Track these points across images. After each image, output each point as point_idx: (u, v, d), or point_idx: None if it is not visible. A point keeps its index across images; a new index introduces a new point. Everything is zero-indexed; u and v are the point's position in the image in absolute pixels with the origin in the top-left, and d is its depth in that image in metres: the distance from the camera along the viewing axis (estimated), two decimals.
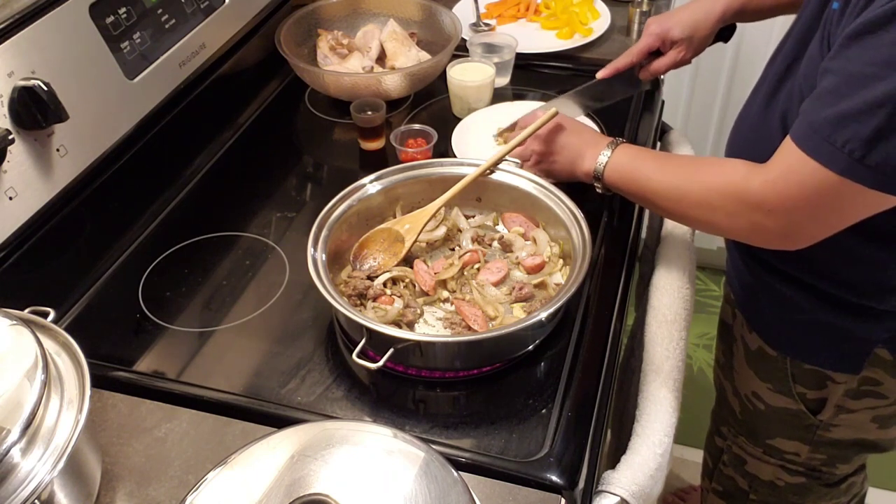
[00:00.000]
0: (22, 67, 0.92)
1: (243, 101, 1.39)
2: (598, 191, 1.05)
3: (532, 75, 1.44)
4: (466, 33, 1.49)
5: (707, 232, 0.97)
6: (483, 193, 1.07)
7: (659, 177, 0.96)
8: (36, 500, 0.62)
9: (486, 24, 1.56)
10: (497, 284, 0.98)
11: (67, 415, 0.67)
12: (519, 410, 0.85)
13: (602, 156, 1.01)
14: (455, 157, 1.18)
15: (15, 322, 0.69)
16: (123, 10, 1.08)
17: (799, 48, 0.92)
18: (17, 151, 0.92)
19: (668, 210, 0.98)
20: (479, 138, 1.25)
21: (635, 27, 1.51)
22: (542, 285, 0.98)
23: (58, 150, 0.97)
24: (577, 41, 1.48)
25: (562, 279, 0.98)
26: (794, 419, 1.12)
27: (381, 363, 0.83)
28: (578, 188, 1.07)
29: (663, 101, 1.46)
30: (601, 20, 1.53)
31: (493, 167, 1.05)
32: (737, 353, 1.18)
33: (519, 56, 1.40)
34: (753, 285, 1.08)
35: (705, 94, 2.05)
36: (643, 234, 1.31)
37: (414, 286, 0.98)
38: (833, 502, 1.25)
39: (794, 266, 0.99)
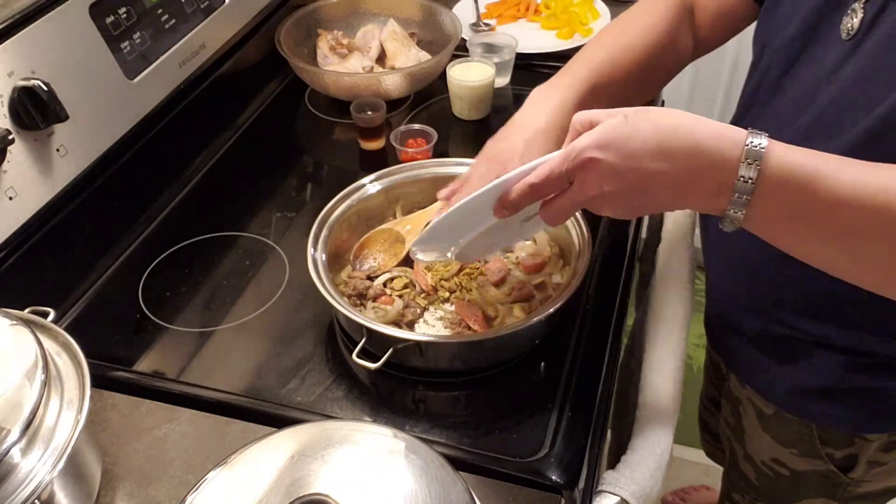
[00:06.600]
0: (22, 67, 0.92)
1: (243, 101, 1.39)
2: (731, 222, 0.64)
3: (532, 75, 1.43)
4: (466, 33, 1.49)
5: None
6: None
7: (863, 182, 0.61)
8: (36, 500, 0.62)
9: (486, 24, 1.56)
10: (497, 284, 0.98)
11: (67, 415, 0.67)
12: (519, 410, 0.85)
13: (756, 146, 0.61)
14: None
15: (15, 322, 0.69)
16: (123, 10, 1.08)
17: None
18: (17, 151, 0.92)
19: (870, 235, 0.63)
20: None
21: None
22: (542, 285, 0.98)
23: (58, 150, 0.97)
24: (577, 41, 1.48)
25: (562, 279, 0.98)
26: (823, 479, 1.02)
27: (380, 363, 0.83)
28: None
29: (663, 102, 1.46)
30: (601, 20, 1.53)
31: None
32: (746, 414, 1.05)
33: (519, 56, 1.40)
34: (768, 363, 0.95)
35: (705, 95, 2.05)
36: (643, 234, 1.31)
37: (414, 286, 0.98)
38: None
39: (841, 330, 0.86)
